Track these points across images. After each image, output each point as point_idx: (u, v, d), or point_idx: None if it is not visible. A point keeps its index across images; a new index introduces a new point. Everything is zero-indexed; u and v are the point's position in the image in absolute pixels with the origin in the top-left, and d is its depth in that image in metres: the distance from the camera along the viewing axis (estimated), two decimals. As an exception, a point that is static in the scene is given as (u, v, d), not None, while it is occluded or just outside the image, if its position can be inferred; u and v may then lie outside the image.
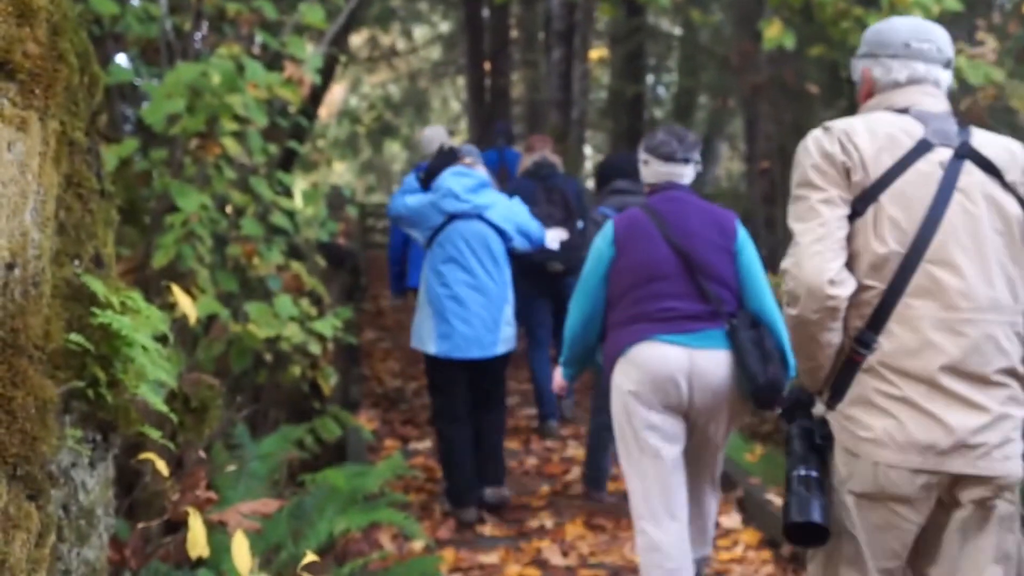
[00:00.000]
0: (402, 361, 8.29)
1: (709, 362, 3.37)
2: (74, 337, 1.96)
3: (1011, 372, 2.27)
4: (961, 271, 2.24)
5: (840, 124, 2.34)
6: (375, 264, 12.21)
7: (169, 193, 4.12)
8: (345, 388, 6.49)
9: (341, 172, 21.24)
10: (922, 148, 2.30)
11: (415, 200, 4.69)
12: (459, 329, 4.59)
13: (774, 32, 6.62)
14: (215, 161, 4.52)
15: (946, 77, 2.43)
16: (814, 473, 2.33)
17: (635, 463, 3.47)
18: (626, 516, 4.67)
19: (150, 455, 2.15)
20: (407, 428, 6.53)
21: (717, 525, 4.75)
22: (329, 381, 5.16)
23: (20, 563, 1.65)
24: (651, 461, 3.42)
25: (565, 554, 4.44)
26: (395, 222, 5.20)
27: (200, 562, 3.69)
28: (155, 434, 2.15)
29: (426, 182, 4.72)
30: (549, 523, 4.82)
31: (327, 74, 9.35)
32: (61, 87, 1.90)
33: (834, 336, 2.29)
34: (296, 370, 4.99)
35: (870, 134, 2.31)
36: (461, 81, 18.49)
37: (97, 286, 2.05)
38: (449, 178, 4.64)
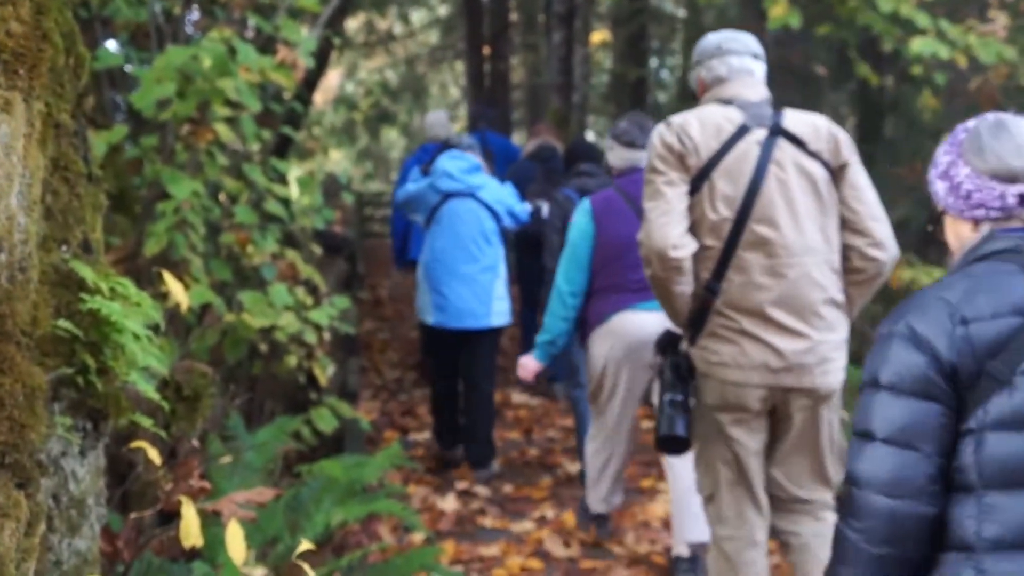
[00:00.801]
0: (401, 352, 8.31)
1: None
2: (62, 323, 1.97)
3: (830, 301, 2.94)
4: (779, 226, 2.88)
5: (677, 119, 2.98)
6: (373, 253, 12.21)
7: (160, 180, 4.12)
8: (343, 379, 6.50)
9: (338, 160, 21.22)
10: (742, 131, 2.93)
11: (415, 185, 5.29)
12: (453, 301, 5.12)
13: (779, 11, 6.61)
14: (207, 147, 4.51)
15: (758, 66, 3.08)
16: (679, 397, 3.01)
17: (603, 424, 4.19)
18: (627, 507, 4.68)
19: (142, 444, 2.15)
20: (406, 419, 6.55)
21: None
22: (326, 371, 5.16)
23: (9, 553, 1.66)
24: (615, 423, 4.15)
25: (567, 545, 4.46)
26: (399, 208, 5.79)
27: (195, 554, 3.72)
28: (146, 422, 2.15)
29: (427, 172, 5.40)
30: (551, 514, 4.83)
31: (322, 59, 9.33)
32: (46, 68, 1.90)
33: (684, 287, 2.93)
34: (292, 360, 4.99)
35: (701, 125, 2.94)
36: (460, 66, 18.43)
37: (86, 271, 2.06)
38: (445, 161, 5.22)
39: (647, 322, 3.90)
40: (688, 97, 14.88)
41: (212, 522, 3.42)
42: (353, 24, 17.11)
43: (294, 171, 7.94)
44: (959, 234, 1.92)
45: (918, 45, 5.84)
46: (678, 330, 3.10)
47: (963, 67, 6.34)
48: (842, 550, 1.80)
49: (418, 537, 4.38)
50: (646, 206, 2.97)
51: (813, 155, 2.95)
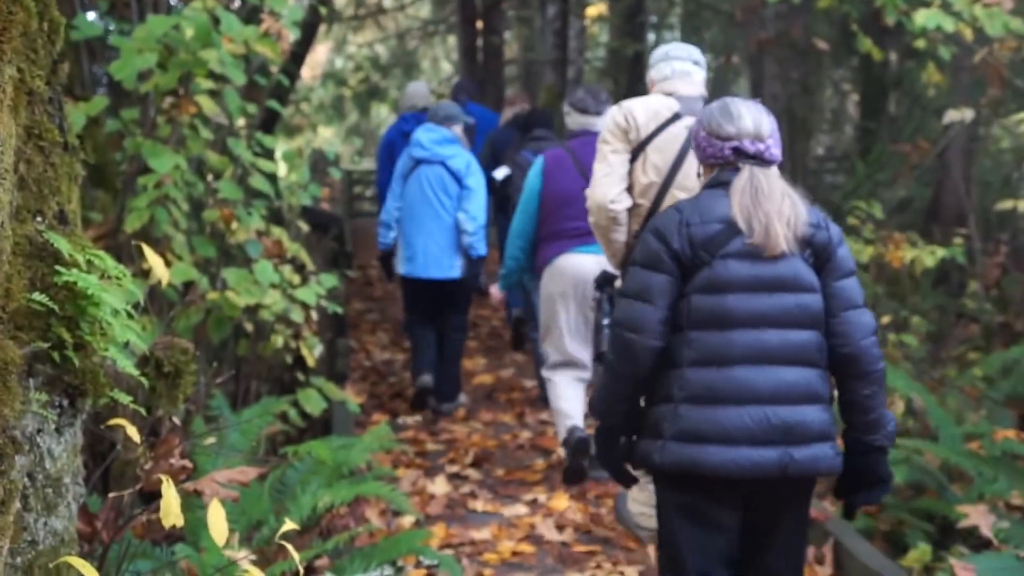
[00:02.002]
0: (391, 333, 8.30)
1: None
2: (37, 297, 1.96)
3: None
4: (694, 192, 3.19)
5: (627, 103, 3.77)
6: (363, 232, 12.14)
7: (141, 154, 4.10)
8: (331, 360, 6.50)
9: (327, 137, 21.14)
10: (675, 118, 3.69)
11: (398, 165, 6.15)
12: (420, 253, 5.93)
13: (779, -17, 6.57)
14: (190, 121, 4.49)
15: (696, 70, 3.89)
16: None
17: (551, 342, 5.03)
18: (616, 487, 4.69)
19: (121, 421, 2.15)
20: (396, 402, 6.54)
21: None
22: (313, 352, 5.16)
23: (-18, 531, 1.65)
24: (557, 341, 4.99)
25: (560, 529, 4.47)
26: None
27: (179, 536, 3.72)
28: (125, 399, 2.15)
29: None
30: (543, 497, 4.84)
31: (309, 32, 9.28)
32: (17, 32, 1.88)
33: (619, 236, 3.69)
34: (278, 340, 4.99)
35: (644, 109, 3.73)
36: (452, 40, 18.36)
37: (62, 243, 2.04)
38: (420, 132, 6.05)
39: (586, 263, 4.75)
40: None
41: (195, 504, 3.43)
42: (342, -4, 17.01)
43: (281, 147, 7.93)
44: (704, 176, 2.88)
45: (922, 17, 5.81)
46: (614, 270, 3.85)
47: (969, 40, 6.32)
48: (605, 366, 2.86)
49: (407, 520, 4.38)
50: (595, 167, 3.78)
51: None
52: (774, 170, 2.79)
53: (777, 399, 2.61)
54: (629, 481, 2.94)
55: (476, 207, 5.88)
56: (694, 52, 3.97)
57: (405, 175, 5.99)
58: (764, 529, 2.74)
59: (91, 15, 5.01)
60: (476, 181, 5.93)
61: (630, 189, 3.70)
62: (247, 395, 5.30)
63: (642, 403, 2.79)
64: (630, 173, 3.71)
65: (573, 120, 5.12)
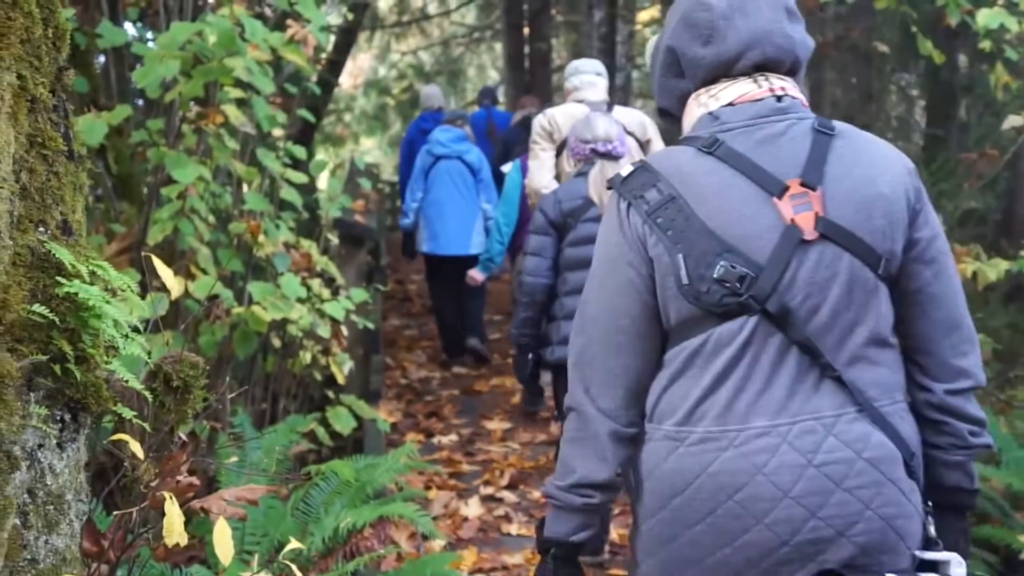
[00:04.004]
0: (429, 350, 8.32)
1: None
2: (37, 308, 1.99)
3: None
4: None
5: (550, 111, 5.43)
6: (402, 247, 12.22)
7: (165, 165, 4.15)
8: (365, 377, 6.53)
9: (369, 148, 21.31)
10: None
11: (419, 160, 7.48)
12: (441, 232, 7.30)
13: (833, -16, 6.51)
14: (216, 131, 4.55)
15: (600, 80, 5.47)
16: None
17: None
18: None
19: (124, 436, 2.17)
20: (432, 421, 6.56)
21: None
22: (343, 368, 5.18)
23: (-25, 547, 1.68)
24: None
25: (596, 552, 4.44)
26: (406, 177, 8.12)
27: (201, 559, 3.76)
28: (129, 414, 2.17)
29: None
30: (581, 522, 4.81)
31: (347, 39, 9.38)
32: (17, 37, 1.92)
33: None
34: (306, 356, 5.02)
35: (563, 114, 5.30)
36: (498, 47, 18.43)
37: (64, 254, 2.08)
38: (438, 132, 7.57)
39: None
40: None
41: (211, 524, 3.45)
42: (384, 2, 17.18)
43: (319, 158, 8.02)
44: (575, 167, 4.37)
45: (985, 17, 5.73)
46: None
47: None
48: (517, 301, 4.34)
49: (437, 544, 4.39)
50: (529, 163, 5.39)
51: (629, 133, 5.07)
52: (621, 161, 4.22)
53: None
54: (536, 388, 4.71)
55: (494, 193, 7.28)
56: (598, 66, 5.55)
57: (426, 170, 7.34)
58: None
59: (108, 25, 5.09)
60: (488, 173, 7.42)
61: (557, 177, 5.13)
62: (275, 413, 5.34)
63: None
64: (556, 164, 5.17)
65: None
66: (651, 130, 5.37)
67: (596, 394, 1.92)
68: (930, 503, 1.90)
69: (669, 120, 2.11)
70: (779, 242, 1.81)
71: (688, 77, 1.99)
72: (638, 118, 5.39)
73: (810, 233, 1.82)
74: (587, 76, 5.30)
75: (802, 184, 1.84)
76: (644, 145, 5.25)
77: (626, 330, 1.89)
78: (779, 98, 1.92)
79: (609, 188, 1.95)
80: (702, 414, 1.83)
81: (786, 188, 1.83)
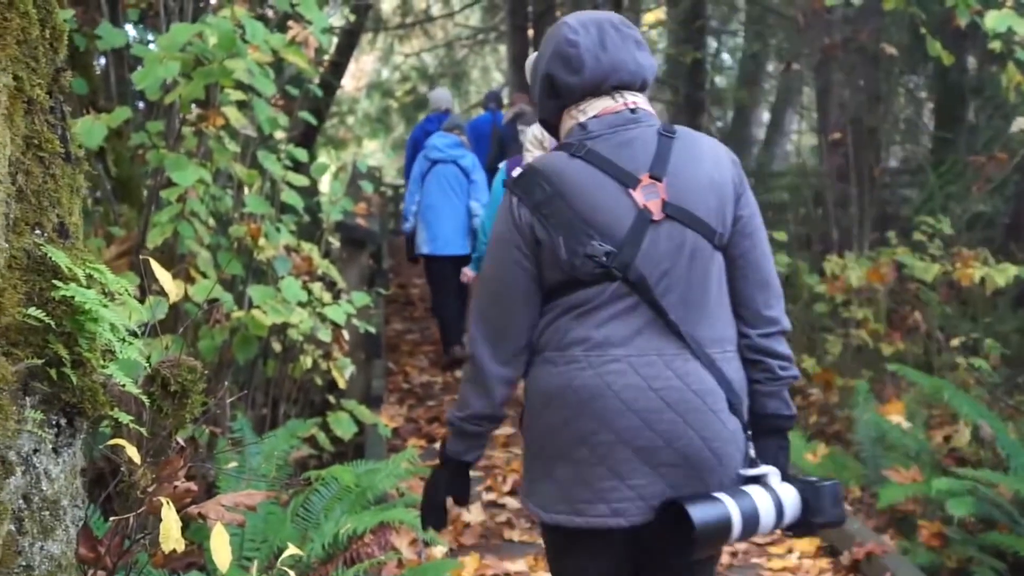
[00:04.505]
0: (432, 354, 8.32)
1: None
2: (33, 311, 1.99)
3: None
4: None
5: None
6: (405, 251, 12.22)
7: (165, 167, 4.15)
8: (367, 382, 6.52)
9: (372, 151, 21.33)
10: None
11: (415, 166, 8.01)
12: (438, 234, 7.74)
13: (839, -15, 6.50)
14: (217, 133, 4.55)
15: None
16: None
17: None
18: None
19: (120, 441, 2.17)
20: (434, 426, 6.56)
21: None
22: (344, 373, 5.18)
23: (-32, 552, 1.68)
24: None
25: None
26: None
27: (201, 566, 3.75)
28: (125, 418, 2.17)
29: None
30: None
31: (350, 41, 9.39)
32: (13, 38, 1.92)
33: None
34: (307, 361, 5.02)
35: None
36: (503, 49, 18.44)
37: (60, 257, 2.08)
38: (434, 138, 8.02)
39: None
40: (750, 81, 14.66)
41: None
42: (388, 4, 17.20)
43: (322, 160, 8.04)
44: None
45: (993, 19, 5.71)
46: None
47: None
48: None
49: (438, 550, 4.38)
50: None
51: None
52: None
53: None
54: None
55: (483, 195, 7.64)
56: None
57: (423, 174, 7.86)
58: None
59: (107, 25, 5.09)
60: (480, 175, 7.86)
61: None
62: (276, 418, 5.33)
63: None
64: None
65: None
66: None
67: (489, 346, 2.42)
68: (750, 432, 2.41)
69: (549, 130, 2.59)
70: (634, 224, 2.33)
71: (562, 96, 2.49)
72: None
73: (658, 215, 2.33)
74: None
75: (651, 177, 2.35)
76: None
77: (512, 296, 2.41)
78: (633, 110, 2.44)
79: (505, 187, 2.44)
80: (569, 345, 2.36)
81: (639, 181, 2.34)
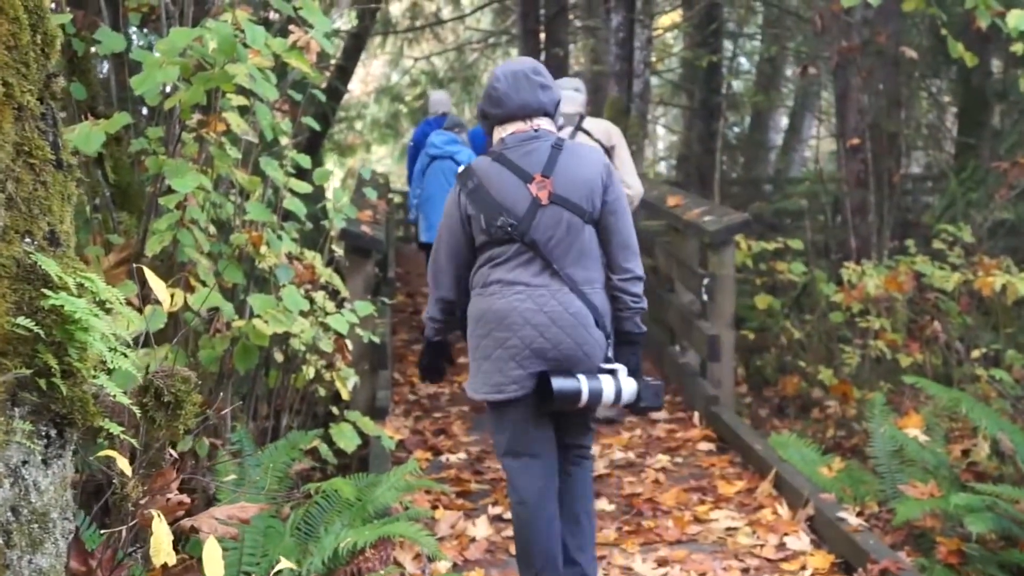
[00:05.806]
0: (440, 365, 8.32)
1: None
2: (22, 321, 2.00)
3: None
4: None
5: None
6: (413, 260, 12.26)
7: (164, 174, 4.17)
8: (372, 393, 6.53)
9: (382, 157, 21.38)
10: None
11: (417, 162, 8.63)
12: (434, 223, 7.73)
13: (857, -13, 6.50)
14: (218, 139, 4.57)
15: (576, 95, 6.22)
16: None
17: None
18: (672, 531, 4.62)
19: (111, 452, 2.19)
20: (440, 439, 6.56)
21: (783, 546, 4.70)
22: (348, 384, 5.19)
23: (-47, 566, 1.69)
24: None
25: (607, 573, 4.43)
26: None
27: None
28: (116, 429, 2.18)
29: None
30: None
31: (356, 44, 9.42)
32: (2, 43, 1.94)
33: None
34: (309, 371, 5.03)
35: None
36: (514, 52, 18.46)
37: (51, 266, 2.09)
38: (433, 136, 8.59)
39: None
40: (767, 85, 14.60)
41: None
42: (397, 7, 17.25)
43: (328, 166, 8.07)
44: None
45: (1014, 19, 5.71)
46: None
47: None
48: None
49: (443, 566, 4.38)
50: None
51: (596, 140, 6.05)
52: None
53: None
54: None
55: None
56: (576, 83, 6.42)
57: (424, 170, 8.49)
58: None
59: (106, 31, 5.12)
60: None
61: None
62: (279, 429, 5.35)
63: None
64: None
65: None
66: (615, 137, 6.13)
67: (440, 282, 3.87)
68: (611, 341, 3.74)
69: (488, 139, 3.86)
70: (529, 206, 3.66)
71: (491, 121, 3.81)
72: (604, 127, 6.22)
73: (545, 201, 3.66)
74: (566, 92, 5.90)
75: (542, 175, 3.67)
76: (609, 151, 6.02)
77: (455, 251, 3.80)
78: (536, 130, 3.73)
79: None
80: (490, 283, 3.71)
81: (533, 178, 3.67)
